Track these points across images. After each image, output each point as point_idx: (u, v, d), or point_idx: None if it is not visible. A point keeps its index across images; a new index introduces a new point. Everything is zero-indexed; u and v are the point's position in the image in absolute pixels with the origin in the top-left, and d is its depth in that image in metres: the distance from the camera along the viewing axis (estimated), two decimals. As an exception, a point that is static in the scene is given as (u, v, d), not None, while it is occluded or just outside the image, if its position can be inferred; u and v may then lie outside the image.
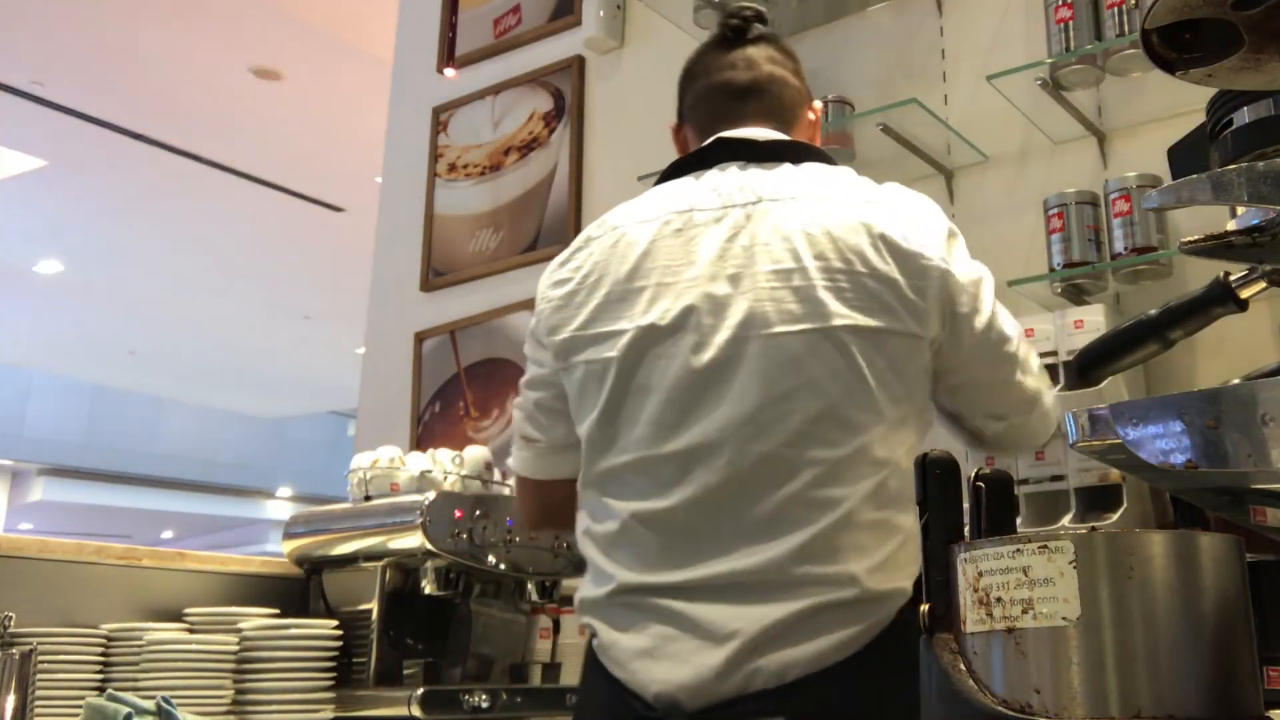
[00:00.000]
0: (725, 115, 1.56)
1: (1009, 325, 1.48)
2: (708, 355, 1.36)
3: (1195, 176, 0.82)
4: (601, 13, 3.11)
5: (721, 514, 1.34)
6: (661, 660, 1.31)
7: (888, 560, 1.32)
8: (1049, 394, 1.54)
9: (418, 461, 2.31)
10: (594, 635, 1.43)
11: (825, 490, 1.31)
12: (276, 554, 2.61)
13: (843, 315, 1.35)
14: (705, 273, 1.39)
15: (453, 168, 3.44)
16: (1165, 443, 0.70)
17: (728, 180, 1.47)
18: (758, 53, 1.58)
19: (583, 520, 1.48)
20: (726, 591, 1.31)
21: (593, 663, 1.43)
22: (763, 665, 1.27)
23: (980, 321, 1.44)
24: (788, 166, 1.48)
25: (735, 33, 1.59)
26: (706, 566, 1.33)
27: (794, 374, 1.34)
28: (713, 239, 1.41)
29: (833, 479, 1.32)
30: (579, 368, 1.46)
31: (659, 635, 1.33)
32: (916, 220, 1.47)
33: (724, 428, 1.34)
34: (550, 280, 1.56)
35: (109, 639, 2.06)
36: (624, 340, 1.41)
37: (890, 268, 1.39)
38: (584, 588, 1.46)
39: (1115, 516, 1.92)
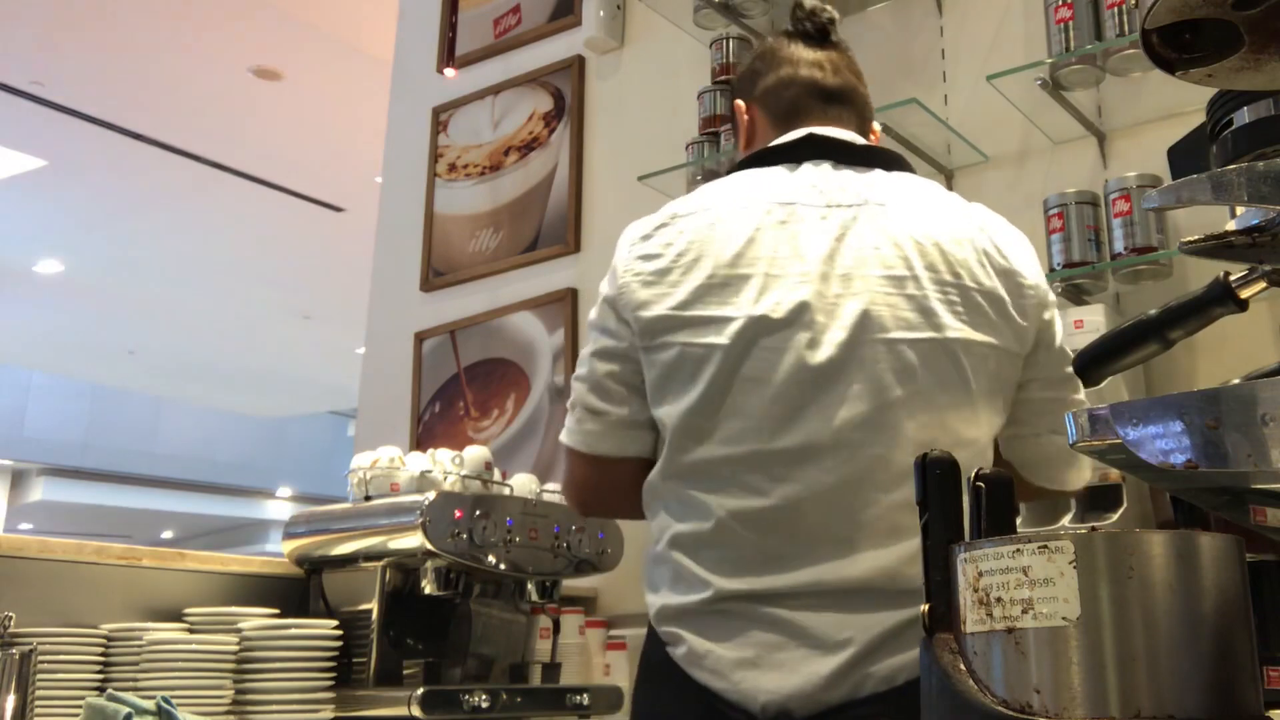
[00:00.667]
0: (811, 112, 1.55)
1: (1068, 345, 1.51)
2: (823, 354, 1.34)
3: (1195, 176, 0.82)
4: (601, 13, 3.11)
5: (832, 516, 1.31)
6: (768, 670, 1.29)
7: None
8: None
9: (418, 461, 2.31)
10: (671, 645, 1.37)
11: None
12: (276, 554, 2.61)
13: (955, 328, 1.36)
14: (816, 270, 1.37)
15: (453, 168, 3.44)
16: (1165, 443, 0.70)
17: (826, 178, 1.45)
18: (840, 59, 1.59)
19: (663, 518, 1.41)
20: (836, 598, 1.29)
21: (673, 674, 1.36)
22: (873, 671, 1.27)
23: (1059, 339, 1.50)
24: (879, 173, 1.48)
25: (820, 32, 1.59)
26: (813, 571, 1.30)
27: (908, 381, 1.33)
28: (821, 236, 1.39)
29: None
30: (672, 348, 1.39)
31: (763, 644, 1.30)
32: (1014, 240, 1.51)
33: (839, 429, 1.32)
34: (636, 253, 1.47)
35: (109, 639, 2.06)
36: (732, 328, 1.36)
37: (996, 284, 1.41)
38: (666, 594, 1.39)
39: (1115, 516, 1.93)
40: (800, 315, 1.35)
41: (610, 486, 1.52)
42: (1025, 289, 1.44)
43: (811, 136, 1.50)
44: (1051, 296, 1.51)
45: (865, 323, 1.35)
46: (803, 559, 1.31)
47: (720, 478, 1.35)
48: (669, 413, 1.39)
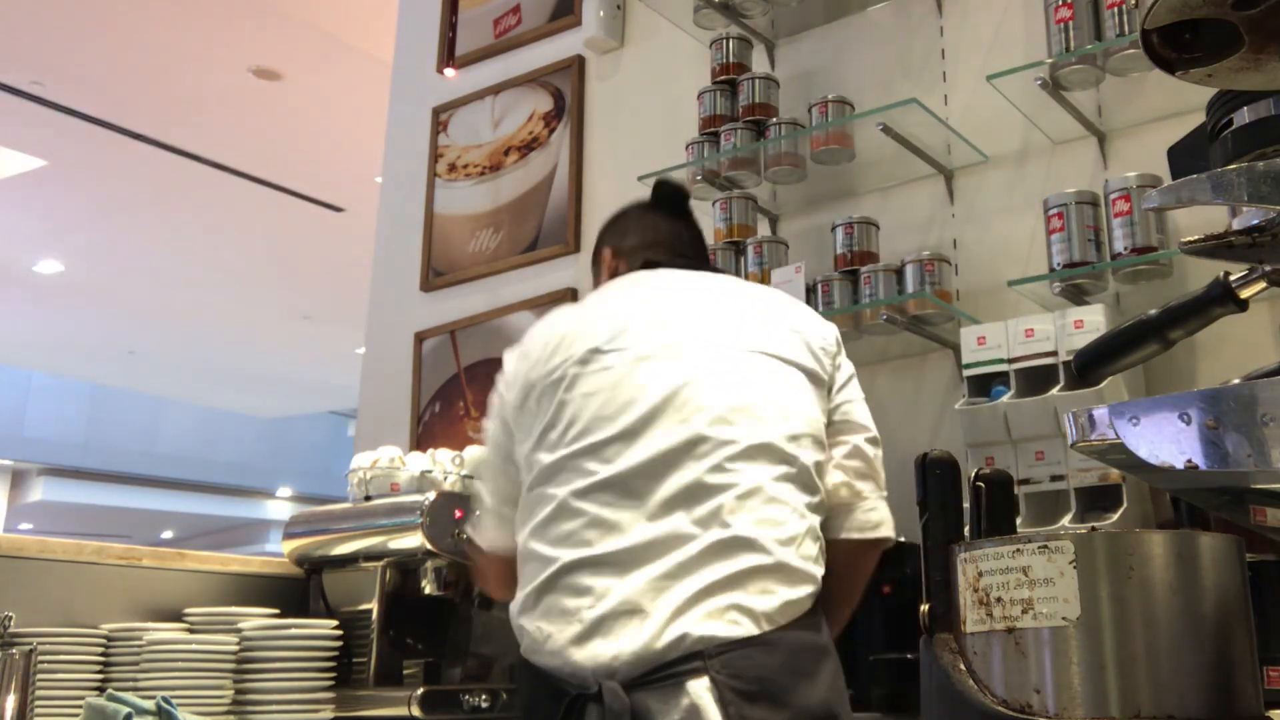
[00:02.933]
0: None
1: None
2: None
3: (1195, 176, 0.82)
4: (601, 13, 3.11)
5: None
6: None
7: None
8: None
9: (418, 461, 2.31)
10: None
11: None
12: (276, 554, 2.61)
13: None
14: None
15: (453, 168, 3.44)
16: (1165, 443, 0.70)
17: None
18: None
19: None
20: None
21: None
22: None
23: None
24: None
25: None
26: None
27: None
28: None
29: None
30: None
31: None
32: None
33: None
34: None
35: (109, 639, 2.06)
36: None
37: None
38: None
39: (1115, 516, 1.92)
40: None
41: None
42: None
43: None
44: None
45: None
46: None
47: None
48: None
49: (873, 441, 1.63)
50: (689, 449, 1.46)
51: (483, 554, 1.74)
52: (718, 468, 1.45)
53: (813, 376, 1.59)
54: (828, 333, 1.66)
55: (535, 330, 1.70)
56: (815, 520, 1.51)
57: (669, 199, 1.89)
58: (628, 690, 1.34)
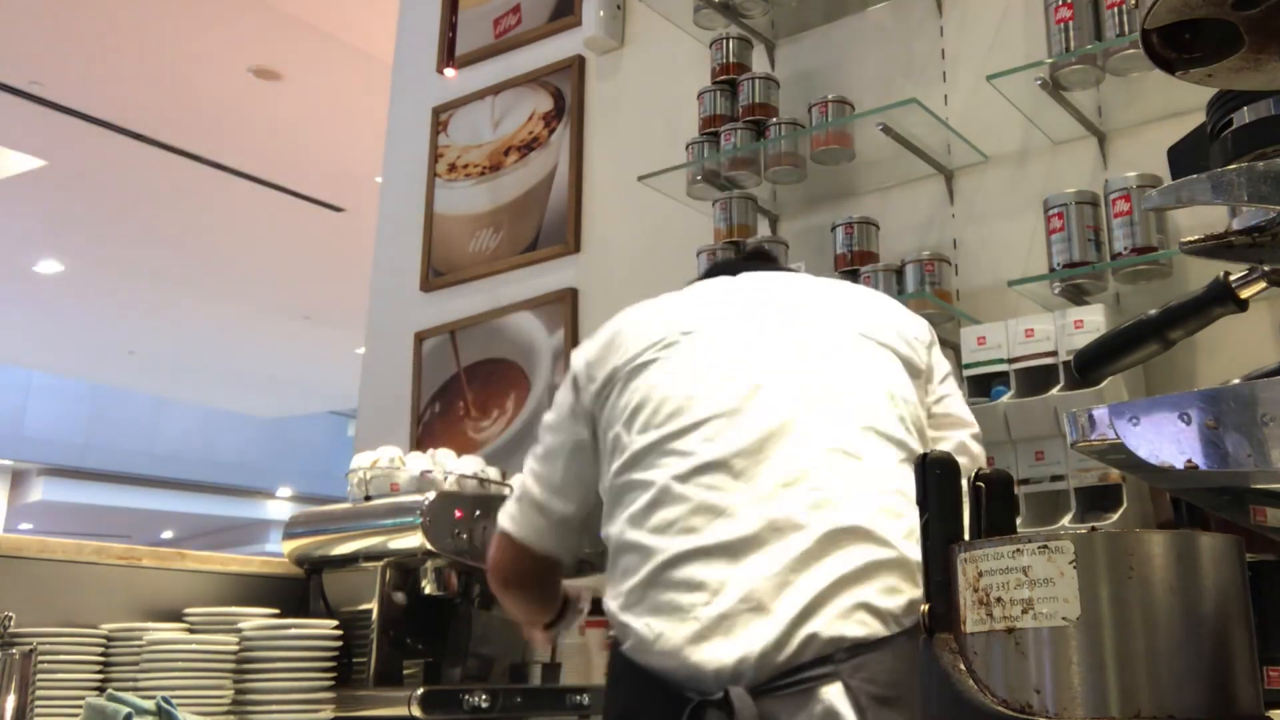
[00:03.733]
0: None
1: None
2: None
3: (1195, 176, 0.82)
4: (601, 13, 3.11)
5: None
6: None
7: None
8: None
9: (418, 461, 2.31)
10: None
11: None
12: (276, 554, 2.61)
13: None
14: None
15: (453, 168, 3.44)
16: (1165, 443, 0.70)
17: None
18: None
19: None
20: None
21: None
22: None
23: None
24: None
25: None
26: None
27: None
28: None
29: None
30: None
31: None
32: None
33: None
34: None
35: (109, 639, 2.06)
36: None
37: None
38: None
39: (1115, 516, 1.92)
40: None
41: None
42: None
43: None
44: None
45: None
46: None
47: None
48: None
49: (977, 438, 1.56)
50: (796, 428, 1.38)
51: (508, 543, 1.65)
52: (832, 449, 1.37)
53: (909, 365, 1.52)
54: (920, 325, 1.60)
55: (612, 323, 1.61)
56: None
57: (751, 253, 1.91)
58: (754, 697, 1.25)
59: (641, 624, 1.34)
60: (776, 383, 1.42)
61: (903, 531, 1.34)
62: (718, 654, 1.27)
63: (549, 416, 1.63)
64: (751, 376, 1.42)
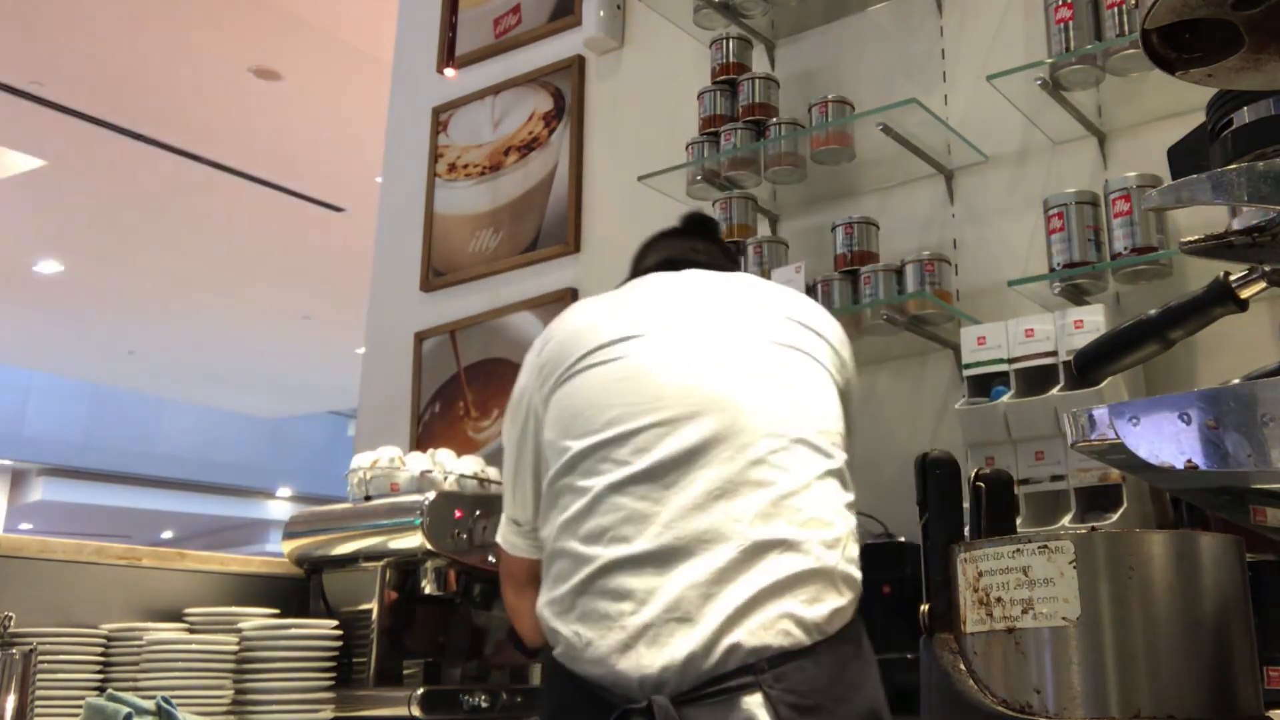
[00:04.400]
0: None
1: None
2: None
3: (1195, 176, 0.82)
4: (601, 13, 3.11)
5: None
6: None
7: None
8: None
9: (418, 461, 2.31)
10: None
11: None
12: (276, 554, 2.61)
13: None
14: None
15: (453, 168, 3.44)
16: (1165, 443, 0.70)
17: None
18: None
19: None
20: None
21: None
22: None
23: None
24: None
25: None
26: None
27: None
28: None
29: None
30: None
31: None
32: None
33: None
34: None
35: (109, 639, 2.06)
36: None
37: None
38: None
39: (1115, 516, 1.92)
40: None
41: None
42: None
43: None
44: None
45: None
46: None
47: None
48: None
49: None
50: (728, 440, 1.40)
51: (506, 556, 1.72)
52: (759, 461, 1.40)
53: (840, 387, 1.58)
54: (844, 339, 1.65)
55: (557, 323, 1.65)
56: (854, 521, 1.46)
57: (689, 220, 1.90)
58: (677, 705, 1.28)
59: (570, 631, 1.38)
60: (711, 395, 1.44)
61: (826, 541, 1.39)
62: (643, 663, 1.31)
63: (505, 428, 1.67)
64: (687, 388, 1.45)
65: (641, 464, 1.40)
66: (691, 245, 1.79)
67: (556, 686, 1.42)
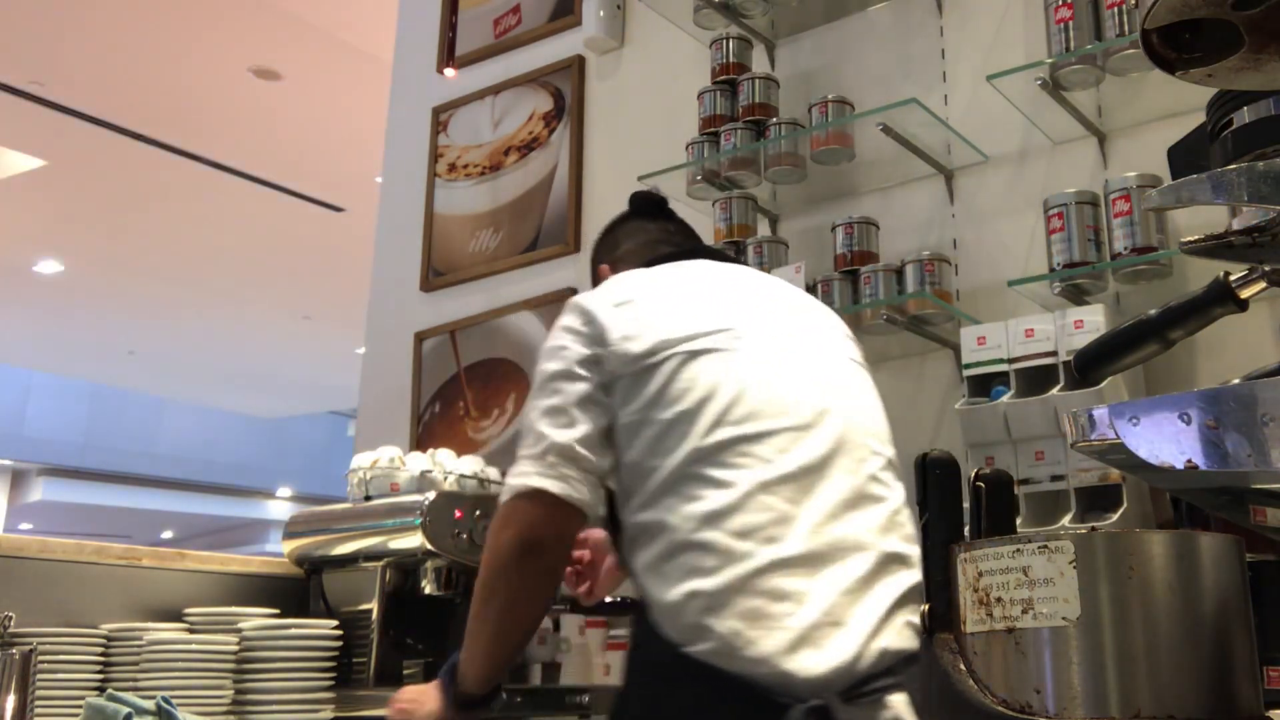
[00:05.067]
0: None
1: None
2: None
3: (1195, 176, 0.82)
4: (601, 13, 3.11)
5: None
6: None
7: None
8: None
9: (418, 461, 2.31)
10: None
11: None
12: (276, 554, 2.61)
13: None
14: None
15: (453, 168, 3.44)
16: (1165, 443, 0.70)
17: None
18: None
19: None
20: None
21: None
22: None
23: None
24: None
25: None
26: None
27: None
28: None
29: None
30: None
31: None
32: None
33: None
34: None
35: (109, 639, 2.06)
36: None
37: None
38: None
39: (1115, 516, 1.92)
40: None
41: None
42: None
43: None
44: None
45: None
46: None
47: None
48: None
49: None
50: (846, 452, 1.44)
51: (566, 513, 1.47)
52: (874, 478, 1.45)
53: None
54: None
55: (631, 287, 1.56)
56: None
57: (646, 203, 1.92)
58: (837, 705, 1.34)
59: (728, 629, 1.34)
60: (824, 406, 1.47)
61: (918, 557, 1.43)
62: (809, 663, 1.32)
63: (555, 366, 1.52)
64: (805, 397, 1.47)
65: (785, 465, 1.41)
66: (662, 231, 1.85)
67: (692, 684, 1.37)
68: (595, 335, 1.50)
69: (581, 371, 1.49)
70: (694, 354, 1.46)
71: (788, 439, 1.42)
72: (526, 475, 1.48)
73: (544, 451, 1.47)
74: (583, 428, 1.47)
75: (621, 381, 1.48)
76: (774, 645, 1.32)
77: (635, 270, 1.66)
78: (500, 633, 1.61)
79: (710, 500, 1.39)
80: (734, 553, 1.36)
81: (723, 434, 1.41)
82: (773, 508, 1.38)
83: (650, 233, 1.85)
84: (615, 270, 1.80)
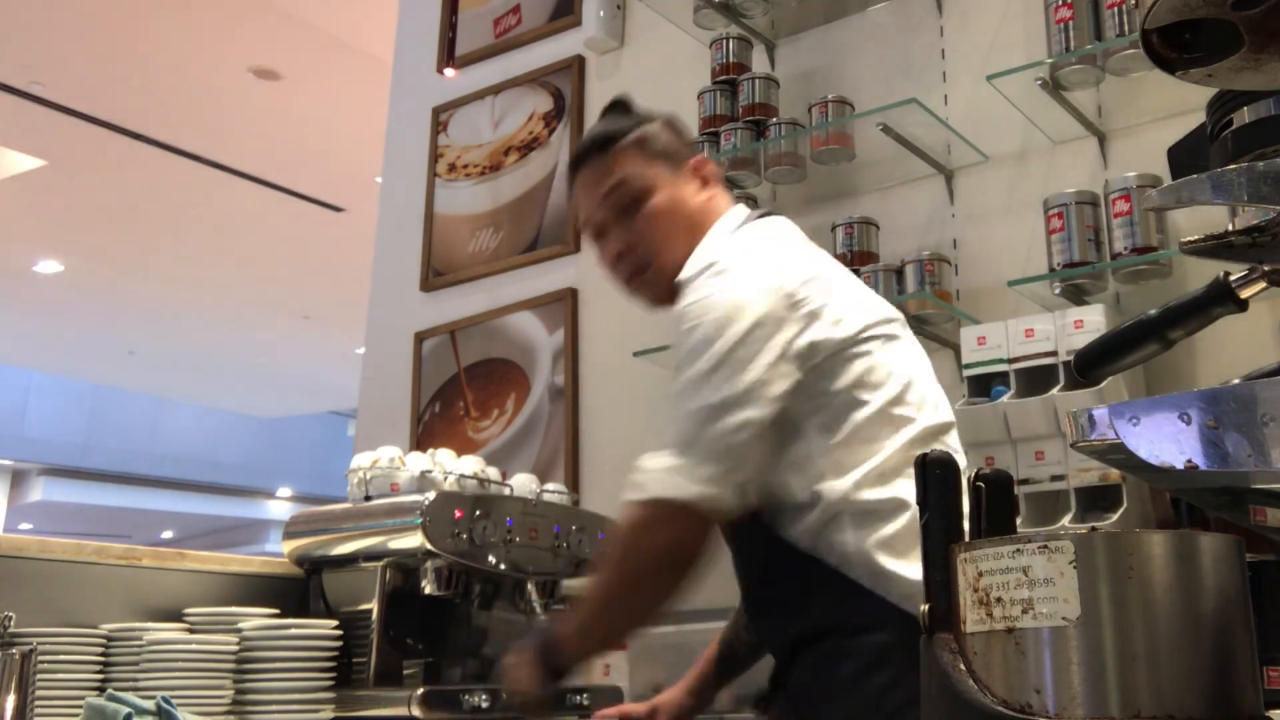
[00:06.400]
0: None
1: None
2: None
3: (1195, 176, 0.82)
4: (601, 13, 3.11)
5: None
6: None
7: None
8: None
9: (418, 461, 2.31)
10: None
11: None
12: (276, 554, 2.61)
13: None
14: None
15: (453, 168, 3.44)
16: (1165, 443, 0.70)
17: None
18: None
19: None
20: None
21: None
22: None
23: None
24: None
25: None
26: None
27: None
28: None
29: None
30: None
31: None
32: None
33: None
34: None
35: (109, 639, 2.06)
36: None
37: None
38: None
39: (1115, 516, 1.92)
40: None
41: None
42: None
43: None
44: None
45: None
46: None
47: None
48: None
49: None
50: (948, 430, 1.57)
51: (685, 517, 1.35)
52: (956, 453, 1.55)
53: None
54: None
55: (803, 263, 1.51)
56: None
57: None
58: None
59: None
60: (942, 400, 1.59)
61: None
62: None
63: (746, 346, 1.36)
64: (934, 388, 1.59)
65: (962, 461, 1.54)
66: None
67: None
68: (802, 313, 1.41)
69: (784, 352, 1.37)
70: (876, 338, 1.49)
71: (954, 437, 1.57)
72: (698, 480, 1.33)
73: (722, 452, 1.34)
74: (765, 416, 1.35)
75: (826, 363, 1.41)
76: None
77: (774, 230, 1.59)
78: (624, 627, 1.60)
79: None
80: None
81: (934, 421, 1.52)
82: None
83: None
84: (704, 170, 1.76)
